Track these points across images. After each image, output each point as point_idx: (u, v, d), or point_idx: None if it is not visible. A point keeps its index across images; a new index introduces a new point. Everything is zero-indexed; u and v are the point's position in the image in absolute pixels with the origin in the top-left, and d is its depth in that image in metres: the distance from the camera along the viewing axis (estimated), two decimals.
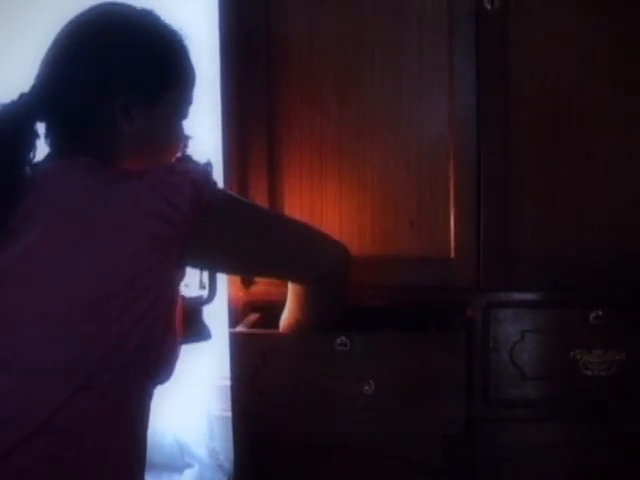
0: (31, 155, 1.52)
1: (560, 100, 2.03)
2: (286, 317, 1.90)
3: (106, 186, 1.48)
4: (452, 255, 2.08)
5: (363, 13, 2.07)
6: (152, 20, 1.59)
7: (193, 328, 1.81)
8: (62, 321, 1.44)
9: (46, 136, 1.58)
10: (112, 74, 1.53)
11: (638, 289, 2.03)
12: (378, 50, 2.07)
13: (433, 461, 2.06)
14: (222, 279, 2.06)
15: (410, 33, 2.05)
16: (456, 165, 2.05)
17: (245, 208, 1.69)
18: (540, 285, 2.07)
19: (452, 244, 2.07)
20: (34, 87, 1.55)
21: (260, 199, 2.11)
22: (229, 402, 2.07)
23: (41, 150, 1.56)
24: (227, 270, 1.81)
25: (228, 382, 2.04)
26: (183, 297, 1.73)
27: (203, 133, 1.95)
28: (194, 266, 1.66)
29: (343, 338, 1.94)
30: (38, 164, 1.55)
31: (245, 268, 1.78)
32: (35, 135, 1.53)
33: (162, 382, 1.60)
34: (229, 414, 2.14)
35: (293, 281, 1.78)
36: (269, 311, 2.09)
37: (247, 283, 2.14)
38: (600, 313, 2.01)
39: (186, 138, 1.91)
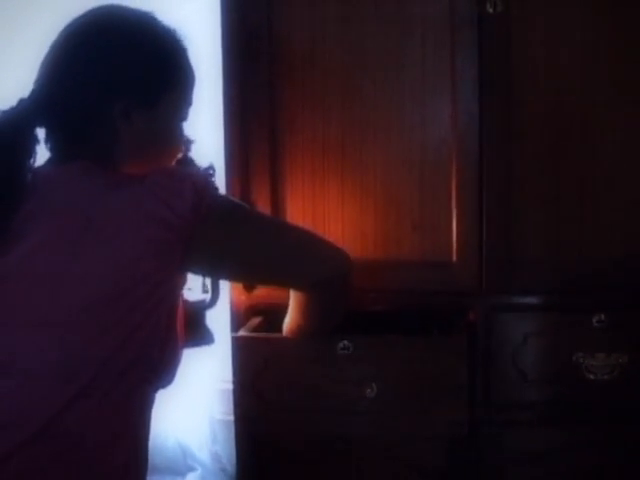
0: (32, 160, 1.52)
1: (563, 104, 2.02)
2: (288, 322, 1.90)
3: (107, 190, 1.48)
4: (454, 259, 2.08)
5: (366, 17, 2.07)
6: (150, 22, 1.58)
7: (196, 332, 1.81)
8: (62, 324, 1.44)
9: (46, 141, 1.57)
10: (111, 77, 1.53)
11: None
12: (381, 54, 2.07)
13: (435, 464, 2.06)
14: (224, 283, 2.04)
15: (412, 37, 2.05)
16: (458, 169, 2.05)
17: (246, 213, 1.69)
18: (542, 288, 2.07)
19: (454, 248, 2.07)
20: (33, 92, 1.55)
21: (262, 202, 2.12)
22: (231, 406, 2.07)
23: (42, 155, 1.56)
24: (228, 276, 1.80)
25: (230, 386, 2.04)
26: (186, 301, 1.73)
27: (205, 135, 1.95)
28: (195, 272, 1.66)
29: (345, 342, 1.94)
30: (39, 169, 1.55)
31: (245, 274, 1.77)
32: (35, 140, 1.53)
33: (164, 386, 1.60)
34: (231, 418, 2.14)
35: (294, 288, 1.77)
36: (271, 315, 2.08)
37: (249, 287, 2.13)
38: (603, 316, 2.00)
39: (188, 141, 1.91)
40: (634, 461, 2.06)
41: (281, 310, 1.93)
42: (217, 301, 1.90)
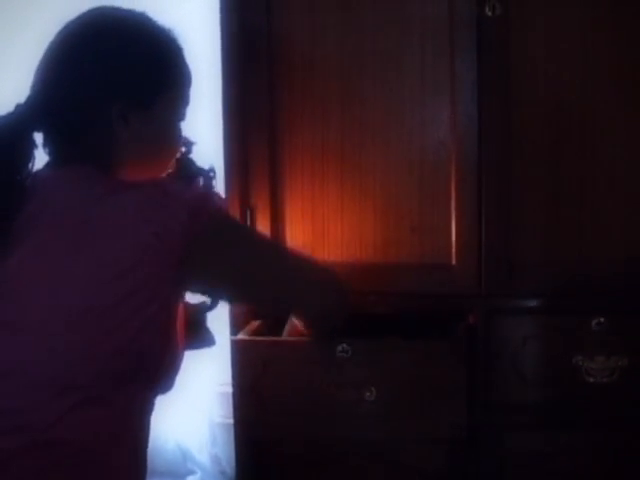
0: (30, 164, 1.52)
1: (562, 106, 2.02)
2: (288, 326, 1.90)
3: (105, 195, 1.48)
4: (454, 262, 2.07)
5: (365, 20, 2.07)
6: (145, 22, 1.58)
7: (197, 334, 1.81)
8: (61, 329, 1.44)
9: (44, 145, 1.57)
10: (107, 79, 1.52)
11: None
12: (380, 57, 2.07)
13: (434, 467, 2.05)
14: None
15: (411, 39, 2.05)
16: (458, 172, 2.04)
17: (241, 237, 1.65)
18: (542, 291, 2.06)
19: (454, 251, 2.07)
20: (30, 97, 1.55)
21: (262, 206, 2.12)
22: (231, 409, 2.07)
23: (40, 159, 1.56)
24: (222, 297, 1.77)
25: (230, 389, 2.03)
26: (187, 303, 1.73)
27: (204, 136, 1.95)
28: (192, 290, 1.64)
29: (344, 345, 1.94)
30: (38, 172, 1.55)
31: (237, 297, 1.76)
32: (33, 145, 1.53)
33: (164, 392, 1.60)
34: (231, 421, 2.13)
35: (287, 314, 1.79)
36: (270, 318, 2.08)
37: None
38: (602, 319, 2.00)
39: (189, 143, 1.91)
40: (634, 464, 2.05)
41: None
42: (218, 303, 1.89)
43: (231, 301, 1.84)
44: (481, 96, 2.01)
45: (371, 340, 1.98)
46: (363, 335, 1.97)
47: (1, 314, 1.46)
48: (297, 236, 2.14)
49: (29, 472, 1.42)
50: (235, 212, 2.11)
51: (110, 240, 1.45)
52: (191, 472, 2.94)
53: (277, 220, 2.14)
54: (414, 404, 1.96)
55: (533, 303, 2.07)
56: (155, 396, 1.59)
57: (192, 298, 1.81)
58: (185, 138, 1.91)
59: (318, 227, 2.12)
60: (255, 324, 2.11)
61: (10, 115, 1.53)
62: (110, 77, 1.52)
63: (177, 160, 1.81)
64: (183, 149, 1.93)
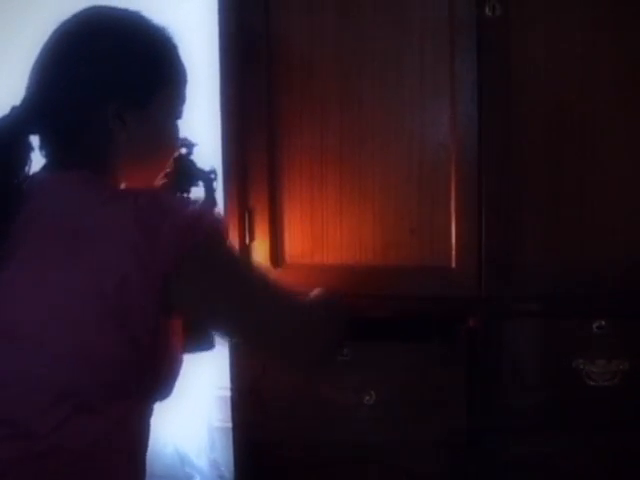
0: (27, 168, 1.52)
1: (563, 107, 2.01)
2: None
3: (99, 206, 1.48)
4: (453, 265, 2.06)
5: (364, 21, 2.06)
6: (139, 21, 1.58)
7: (196, 337, 1.80)
8: (55, 339, 1.44)
9: (40, 148, 1.57)
10: (102, 79, 1.52)
11: None
12: (379, 58, 2.06)
13: (434, 471, 2.04)
14: None
15: (411, 40, 2.04)
16: (458, 173, 2.03)
17: (229, 264, 1.57)
18: (542, 294, 2.05)
19: (453, 253, 2.06)
20: (25, 99, 1.54)
21: (260, 208, 2.11)
22: (230, 413, 2.07)
23: (37, 162, 1.56)
24: (203, 322, 1.69)
25: (229, 393, 2.03)
26: None
27: (202, 137, 1.95)
28: (177, 309, 1.57)
29: (344, 348, 1.93)
30: (35, 176, 1.55)
31: (215, 325, 1.65)
32: (29, 148, 1.53)
33: (162, 398, 1.59)
34: (230, 425, 2.13)
35: None
36: None
37: None
38: (603, 322, 1.99)
39: (191, 145, 1.91)
40: (635, 468, 2.04)
41: None
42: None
43: (211, 328, 1.72)
44: (481, 97, 2.00)
45: (371, 344, 1.98)
46: (362, 338, 1.97)
47: None
48: (296, 239, 2.13)
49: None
50: (233, 215, 2.11)
51: (103, 249, 1.44)
52: (190, 476, 2.94)
53: (275, 222, 2.13)
54: (414, 408, 1.96)
55: (533, 306, 2.06)
56: (154, 402, 1.58)
57: None
58: (186, 139, 1.91)
59: (317, 229, 2.11)
60: None
61: (5, 118, 1.53)
62: (106, 77, 1.52)
63: (178, 161, 1.81)
64: (184, 150, 1.93)
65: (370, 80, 2.07)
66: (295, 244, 2.13)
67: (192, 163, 1.97)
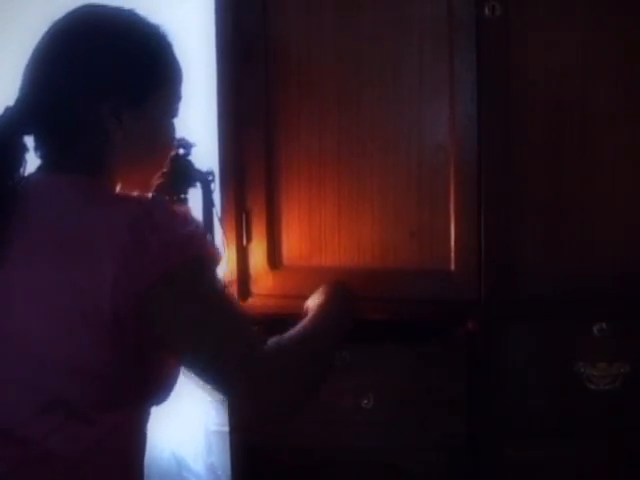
0: (21, 170, 1.51)
1: (564, 108, 2.01)
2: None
3: (91, 212, 1.47)
4: (453, 267, 2.06)
5: (363, 20, 2.05)
6: (133, 19, 1.58)
7: None
8: (44, 346, 1.43)
9: (35, 148, 1.56)
10: (97, 78, 1.51)
11: None
12: (378, 58, 2.05)
13: (433, 475, 2.04)
14: None
15: (410, 40, 2.04)
16: (457, 174, 2.03)
17: (204, 295, 1.48)
18: (543, 297, 2.04)
19: (453, 255, 2.05)
20: (18, 100, 1.54)
21: (257, 210, 2.10)
22: (226, 417, 2.06)
23: (32, 162, 1.55)
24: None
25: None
26: None
27: (199, 138, 1.94)
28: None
29: (342, 352, 1.93)
30: (30, 177, 1.54)
31: (176, 352, 1.54)
32: (24, 149, 1.53)
33: (159, 403, 1.58)
34: (226, 429, 2.13)
35: None
36: (266, 323, 2.03)
37: (245, 295, 2.12)
38: (604, 325, 1.98)
39: (189, 145, 1.91)
40: (636, 473, 2.03)
41: (277, 320, 1.91)
42: None
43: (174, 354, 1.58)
44: (481, 97, 2.00)
45: (369, 347, 1.97)
46: (361, 341, 1.96)
47: None
48: (293, 241, 2.12)
49: None
50: (230, 216, 2.11)
51: (95, 256, 1.42)
52: None
53: (273, 224, 2.12)
54: (412, 411, 1.96)
55: (534, 309, 2.05)
56: (150, 407, 1.57)
57: None
58: (184, 140, 1.91)
59: (315, 231, 2.10)
60: None
61: None
62: (100, 75, 1.52)
63: (175, 162, 1.80)
64: (182, 151, 1.92)
65: (368, 81, 2.06)
66: (293, 246, 2.12)
67: (189, 164, 1.97)
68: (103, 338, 1.42)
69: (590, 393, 2.01)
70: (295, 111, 2.09)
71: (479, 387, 2.04)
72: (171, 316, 1.43)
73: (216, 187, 2.03)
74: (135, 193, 1.64)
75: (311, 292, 1.97)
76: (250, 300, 2.12)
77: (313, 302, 1.84)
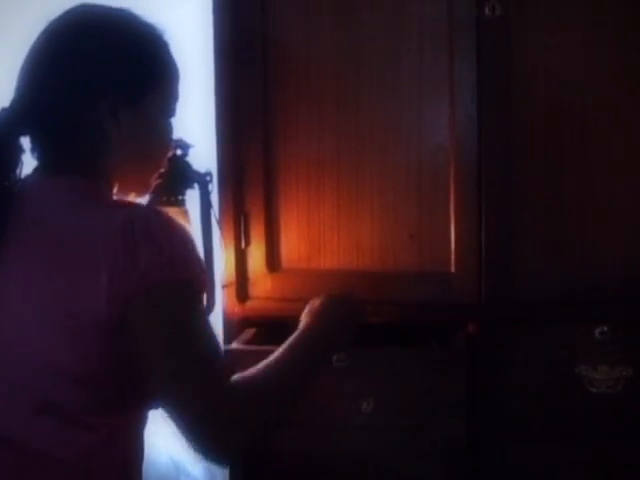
0: (18, 171, 1.50)
1: (564, 110, 2.01)
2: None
3: (88, 216, 1.45)
4: (453, 269, 2.06)
5: (361, 21, 2.05)
6: (128, 18, 1.56)
7: None
8: (36, 348, 1.42)
9: (32, 150, 1.55)
10: (93, 76, 1.50)
11: None
12: (377, 58, 2.05)
13: (433, 479, 2.02)
14: (219, 293, 2.05)
15: (409, 40, 2.04)
16: (457, 176, 2.02)
17: (178, 325, 1.43)
18: (543, 300, 2.04)
19: (453, 258, 2.05)
20: (14, 101, 1.52)
21: (256, 212, 2.10)
22: None
23: (29, 163, 1.54)
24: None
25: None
26: None
27: (197, 139, 1.94)
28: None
29: (341, 354, 1.91)
30: (26, 179, 1.52)
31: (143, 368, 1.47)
32: (20, 150, 1.51)
33: (156, 407, 1.57)
34: None
35: None
36: (265, 327, 2.07)
37: (243, 298, 2.12)
38: (606, 328, 1.98)
39: (186, 146, 1.90)
40: (638, 478, 2.02)
41: (275, 322, 1.91)
42: (212, 310, 1.89)
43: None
44: (481, 98, 2.00)
45: (369, 350, 1.96)
46: (360, 345, 1.94)
47: None
48: (292, 243, 2.12)
49: None
50: (229, 218, 2.10)
51: (88, 262, 1.40)
52: None
53: (272, 226, 2.11)
54: (412, 415, 1.95)
55: (534, 312, 2.04)
56: (148, 411, 1.56)
57: None
58: (181, 141, 1.90)
59: (314, 234, 2.09)
60: (249, 332, 2.09)
61: None
62: (96, 74, 1.50)
63: (173, 163, 1.79)
64: (179, 152, 1.91)
65: (368, 81, 2.06)
66: (292, 248, 2.12)
67: (187, 165, 1.96)
68: (95, 343, 1.40)
69: (592, 396, 2.00)
70: (294, 112, 2.09)
71: (479, 390, 2.04)
72: (144, 332, 1.40)
73: (214, 188, 2.02)
74: (133, 195, 1.63)
75: (310, 295, 1.97)
76: (249, 303, 2.12)
77: (305, 319, 1.79)
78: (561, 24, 1.99)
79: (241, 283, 2.12)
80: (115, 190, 1.58)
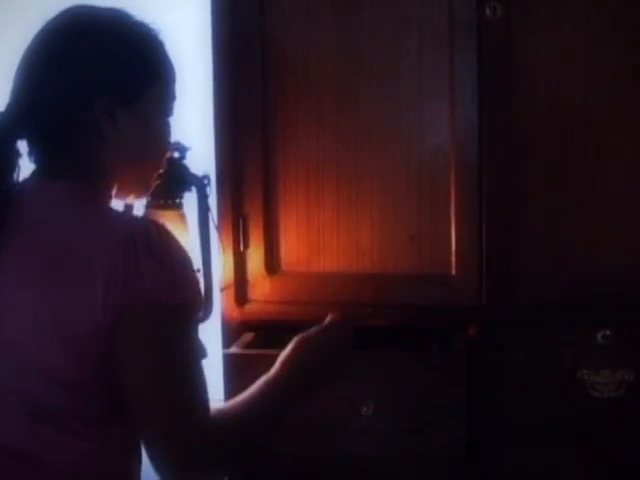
0: (15, 175, 1.49)
1: (565, 111, 2.00)
2: None
3: (87, 226, 1.44)
4: (453, 272, 2.05)
5: (361, 20, 2.04)
6: (123, 18, 1.55)
7: None
8: (29, 356, 1.41)
9: (29, 153, 1.54)
10: (89, 77, 1.49)
11: None
12: (377, 60, 2.04)
13: None
14: (217, 297, 2.04)
15: (410, 41, 2.03)
16: (457, 178, 2.02)
17: (172, 341, 1.43)
18: (545, 302, 2.02)
19: (453, 261, 2.04)
20: (10, 104, 1.51)
21: (254, 214, 2.09)
22: None
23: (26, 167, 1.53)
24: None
25: (222, 404, 1.99)
26: None
27: (195, 141, 1.93)
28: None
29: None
30: (24, 183, 1.52)
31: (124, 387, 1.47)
32: (17, 155, 1.50)
33: None
34: None
35: None
36: (264, 330, 2.07)
37: (242, 301, 2.11)
38: (608, 332, 1.97)
39: (184, 149, 1.88)
40: None
41: (274, 326, 1.91)
42: (210, 314, 1.90)
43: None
44: (481, 99, 1.99)
45: (368, 353, 1.94)
46: (360, 348, 1.93)
47: None
48: (291, 245, 2.11)
49: None
50: (227, 221, 2.09)
51: (83, 272, 1.39)
52: None
53: (271, 229, 2.11)
54: (412, 419, 1.94)
55: (536, 315, 2.03)
56: None
57: None
58: (179, 143, 1.89)
59: (313, 236, 2.08)
60: (248, 336, 2.08)
61: None
62: (92, 74, 1.49)
63: (170, 166, 1.77)
64: (177, 155, 1.90)
65: (367, 82, 2.05)
66: (291, 251, 2.11)
67: (185, 168, 1.96)
68: (90, 351, 1.40)
69: (593, 400, 1.99)
70: (293, 113, 2.08)
71: (479, 393, 2.02)
72: (132, 349, 1.40)
73: (212, 191, 2.01)
74: (133, 196, 1.63)
75: (309, 298, 1.96)
76: (247, 306, 2.11)
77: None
78: (562, 24, 1.98)
79: (240, 286, 2.11)
80: (115, 192, 1.57)
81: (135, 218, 1.52)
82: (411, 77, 2.03)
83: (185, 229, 1.99)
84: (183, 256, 1.46)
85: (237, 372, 1.94)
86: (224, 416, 1.49)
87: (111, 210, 1.53)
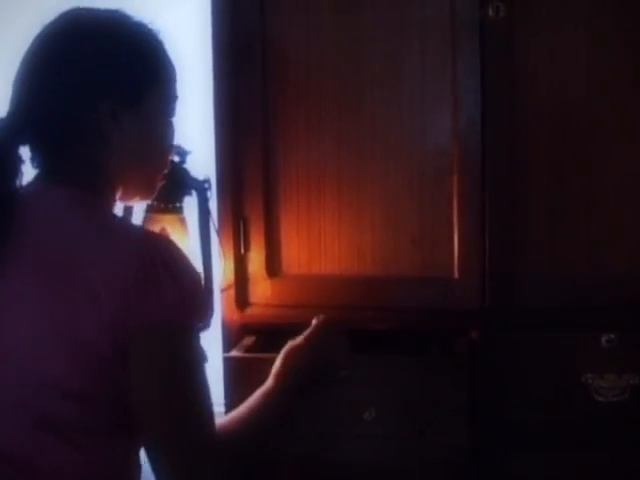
0: (17, 181, 1.49)
1: (569, 113, 1.99)
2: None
3: (91, 235, 1.45)
4: (456, 275, 2.04)
5: (363, 23, 2.04)
6: (123, 19, 1.56)
7: None
8: (28, 364, 1.41)
9: (32, 159, 1.53)
10: (90, 79, 1.49)
11: None
12: (378, 61, 2.04)
13: None
14: (217, 299, 2.04)
15: (412, 42, 2.02)
16: (460, 181, 2.01)
17: (176, 359, 1.45)
18: (548, 306, 2.02)
19: (456, 264, 2.04)
20: (11, 110, 1.51)
21: (255, 217, 2.09)
22: None
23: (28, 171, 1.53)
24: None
25: (222, 408, 1.99)
26: None
27: (195, 143, 1.93)
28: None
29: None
30: (27, 188, 1.51)
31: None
32: (19, 161, 1.49)
33: None
34: None
35: None
36: (265, 334, 2.06)
37: (243, 305, 2.10)
38: (613, 336, 1.96)
39: (184, 153, 1.88)
40: None
41: (274, 329, 1.92)
42: (211, 319, 1.87)
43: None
44: (485, 101, 1.98)
45: (370, 357, 1.94)
46: (361, 352, 1.94)
47: None
48: (292, 248, 2.10)
49: None
50: (228, 224, 2.08)
51: (87, 283, 1.39)
52: None
53: (271, 232, 2.10)
54: (414, 423, 1.92)
55: (539, 318, 2.02)
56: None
57: None
58: (179, 147, 1.88)
59: (314, 239, 2.08)
60: (249, 340, 2.07)
61: None
62: (93, 77, 1.49)
63: (170, 170, 1.77)
64: (177, 158, 1.89)
65: (369, 83, 2.04)
66: (292, 254, 2.10)
67: (185, 172, 1.95)
68: (94, 362, 1.40)
69: (598, 405, 1.99)
70: (294, 115, 2.08)
71: (481, 396, 2.01)
72: (143, 365, 1.41)
73: (213, 195, 2.00)
74: (138, 198, 1.64)
75: (310, 301, 1.95)
76: (248, 309, 2.10)
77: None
78: (564, 25, 1.98)
79: (241, 289, 2.11)
80: (120, 194, 1.56)
81: (144, 230, 1.54)
82: (413, 79, 2.02)
83: (185, 233, 1.99)
84: (196, 273, 1.48)
85: (238, 376, 1.93)
86: (226, 431, 1.54)
87: (114, 217, 1.54)
